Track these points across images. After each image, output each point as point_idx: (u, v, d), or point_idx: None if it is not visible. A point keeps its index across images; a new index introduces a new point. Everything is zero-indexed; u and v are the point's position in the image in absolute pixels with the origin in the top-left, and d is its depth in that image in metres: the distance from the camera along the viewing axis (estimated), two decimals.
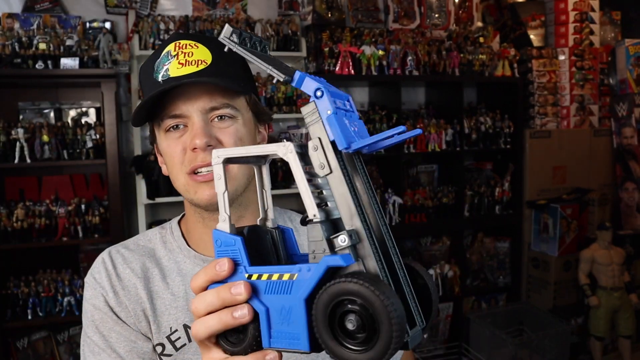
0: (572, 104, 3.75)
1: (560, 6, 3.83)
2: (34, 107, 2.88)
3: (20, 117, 2.84)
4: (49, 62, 2.60)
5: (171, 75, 0.87)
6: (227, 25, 0.55)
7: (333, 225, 0.53)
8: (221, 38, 0.55)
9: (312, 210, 0.51)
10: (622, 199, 3.84)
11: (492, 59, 3.41)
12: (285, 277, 0.54)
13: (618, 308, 3.29)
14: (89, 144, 2.68)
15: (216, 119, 0.91)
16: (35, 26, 2.73)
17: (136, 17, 2.93)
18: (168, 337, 0.93)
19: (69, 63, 2.61)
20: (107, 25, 2.91)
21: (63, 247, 2.77)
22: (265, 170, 0.62)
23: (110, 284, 0.94)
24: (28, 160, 2.58)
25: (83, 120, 2.84)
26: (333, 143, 0.51)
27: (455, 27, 3.58)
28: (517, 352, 3.05)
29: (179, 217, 1.05)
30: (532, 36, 3.87)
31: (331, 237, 0.51)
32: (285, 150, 0.53)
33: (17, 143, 2.57)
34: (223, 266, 0.57)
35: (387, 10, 3.43)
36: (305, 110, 0.52)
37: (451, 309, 3.44)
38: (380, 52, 3.11)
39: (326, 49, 3.05)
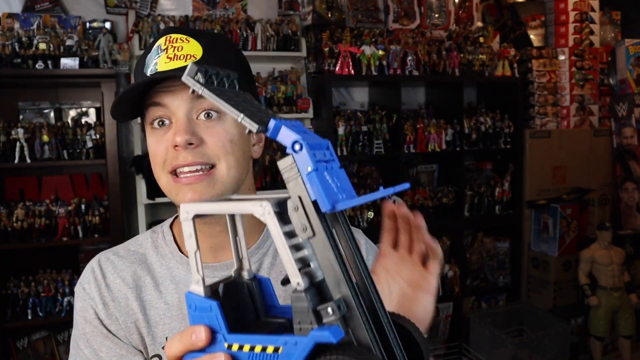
0: (572, 104, 3.75)
1: (560, 6, 3.83)
2: (34, 107, 2.88)
3: (20, 117, 2.84)
4: (49, 62, 2.60)
5: (159, 70, 0.83)
6: (191, 64, 0.49)
7: (318, 289, 0.49)
8: (184, 78, 0.49)
9: (295, 278, 0.47)
10: (622, 199, 3.84)
11: (492, 59, 3.41)
12: (270, 349, 0.49)
13: (618, 308, 3.29)
14: (89, 144, 2.68)
15: (202, 116, 0.84)
16: (35, 26, 2.73)
17: (136, 17, 2.93)
18: (164, 348, 0.92)
19: (69, 63, 2.61)
20: (107, 25, 2.91)
21: (63, 247, 2.77)
22: (239, 218, 0.58)
23: (100, 295, 0.91)
24: (28, 160, 2.58)
25: (83, 120, 2.84)
26: (315, 203, 0.46)
27: (455, 27, 3.58)
28: (517, 352, 3.05)
29: (171, 220, 1.01)
30: (532, 36, 3.87)
31: (318, 308, 0.47)
32: (263, 211, 0.47)
33: (17, 143, 2.57)
34: (200, 335, 0.51)
35: (387, 10, 3.43)
36: (283, 164, 0.47)
37: (451, 309, 3.44)
38: (380, 52, 3.11)
39: (326, 49, 3.04)
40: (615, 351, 3.49)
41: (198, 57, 0.84)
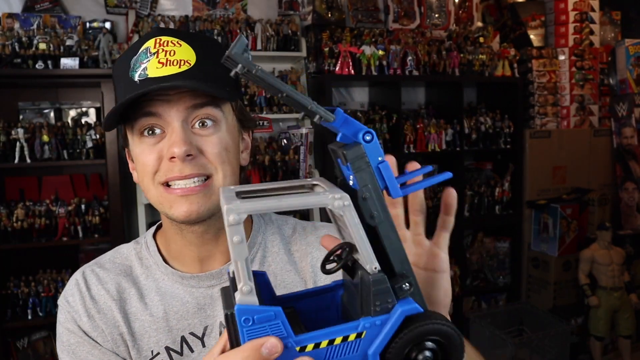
0: (572, 104, 3.75)
1: (560, 6, 3.83)
2: (34, 107, 2.88)
3: (20, 117, 2.84)
4: (49, 62, 2.59)
5: (149, 76, 0.78)
6: (240, 36, 0.46)
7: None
8: (231, 54, 0.45)
9: (373, 263, 0.49)
10: (622, 199, 3.84)
11: (492, 59, 3.41)
12: (352, 337, 0.49)
13: (618, 308, 3.29)
14: (89, 144, 2.68)
15: (197, 125, 0.81)
16: (35, 26, 2.73)
17: (136, 17, 2.93)
18: None
19: (69, 63, 2.61)
20: (107, 25, 2.91)
21: (63, 247, 2.77)
22: None
23: (85, 307, 0.88)
24: (28, 160, 2.58)
25: (83, 120, 2.84)
26: (383, 191, 0.49)
27: (455, 27, 3.58)
28: (517, 352, 3.04)
29: (153, 230, 0.98)
30: (532, 36, 3.87)
31: (396, 286, 0.50)
32: (342, 204, 0.47)
33: (17, 143, 2.57)
34: (274, 347, 0.46)
35: (387, 10, 3.43)
36: (353, 154, 0.49)
37: (451, 308, 3.43)
38: (380, 52, 3.11)
39: (326, 49, 3.04)
40: (615, 351, 3.49)
41: (192, 63, 0.78)
